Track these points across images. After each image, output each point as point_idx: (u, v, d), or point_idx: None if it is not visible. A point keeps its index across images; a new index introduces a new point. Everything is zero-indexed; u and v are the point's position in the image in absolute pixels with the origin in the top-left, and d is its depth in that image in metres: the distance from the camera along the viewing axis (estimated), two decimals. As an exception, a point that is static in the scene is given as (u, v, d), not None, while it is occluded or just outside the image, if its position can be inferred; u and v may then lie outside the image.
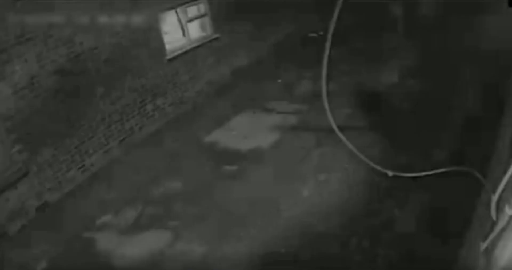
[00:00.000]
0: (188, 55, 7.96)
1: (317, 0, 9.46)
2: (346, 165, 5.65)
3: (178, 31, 8.07)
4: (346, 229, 4.72)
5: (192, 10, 8.08)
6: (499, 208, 2.44)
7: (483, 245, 2.60)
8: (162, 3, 7.28)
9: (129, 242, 4.99)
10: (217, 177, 5.96)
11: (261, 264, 4.43)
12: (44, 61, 5.50)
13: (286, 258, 4.45)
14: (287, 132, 6.90)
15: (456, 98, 7.06)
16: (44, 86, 5.54)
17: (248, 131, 7.04)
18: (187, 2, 7.78)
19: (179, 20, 7.94)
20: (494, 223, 2.49)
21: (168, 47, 7.57)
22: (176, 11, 7.78)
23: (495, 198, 2.41)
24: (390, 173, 4.01)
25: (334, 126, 3.04)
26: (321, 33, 9.75)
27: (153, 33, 7.20)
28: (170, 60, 7.57)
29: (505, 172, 2.26)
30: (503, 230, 2.28)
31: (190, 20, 8.02)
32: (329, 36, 2.50)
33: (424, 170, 4.08)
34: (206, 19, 8.40)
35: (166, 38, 7.56)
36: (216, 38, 8.53)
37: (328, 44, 2.52)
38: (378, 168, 3.86)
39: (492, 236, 2.43)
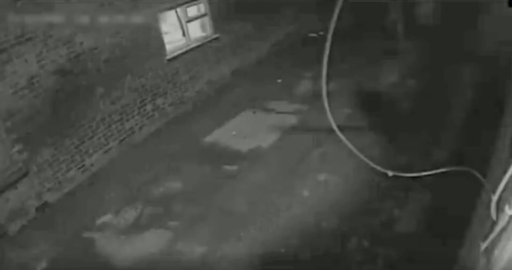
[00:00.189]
0: (188, 55, 7.96)
1: (317, 0, 9.48)
2: (346, 165, 5.65)
3: (178, 31, 8.08)
4: (346, 229, 4.73)
5: (192, 10, 8.09)
6: (499, 208, 2.43)
7: (483, 245, 2.59)
8: (162, 3, 7.28)
9: (129, 242, 5.00)
10: (217, 177, 5.96)
11: (261, 264, 4.43)
12: (44, 61, 5.51)
13: (286, 258, 4.45)
14: (287, 132, 6.90)
15: (456, 98, 7.07)
16: (44, 86, 5.55)
17: (248, 131, 7.03)
18: (187, 2, 7.78)
19: (179, 20, 7.95)
20: (494, 223, 2.49)
21: (168, 47, 7.57)
22: (176, 11, 7.79)
23: (495, 198, 2.40)
24: (390, 173, 4.00)
25: (334, 126, 3.03)
26: (321, 33, 9.75)
27: (153, 33, 7.20)
28: (170, 60, 7.57)
29: (505, 172, 2.25)
30: (503, 230, 2.28)
31: (190, 20, 8.02)
32: (329, 36, 2.49)
33: (424, 170, 4.06)
34: (206, 19, 8.39)
35: (166, 38, 7.57)
36: (216, 38, 8.53)
37: (328, 44, 2.51)
38: (378, 168, 3.84)
39: (492, 236, 2.43)
